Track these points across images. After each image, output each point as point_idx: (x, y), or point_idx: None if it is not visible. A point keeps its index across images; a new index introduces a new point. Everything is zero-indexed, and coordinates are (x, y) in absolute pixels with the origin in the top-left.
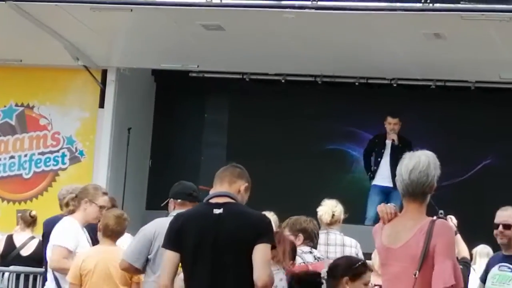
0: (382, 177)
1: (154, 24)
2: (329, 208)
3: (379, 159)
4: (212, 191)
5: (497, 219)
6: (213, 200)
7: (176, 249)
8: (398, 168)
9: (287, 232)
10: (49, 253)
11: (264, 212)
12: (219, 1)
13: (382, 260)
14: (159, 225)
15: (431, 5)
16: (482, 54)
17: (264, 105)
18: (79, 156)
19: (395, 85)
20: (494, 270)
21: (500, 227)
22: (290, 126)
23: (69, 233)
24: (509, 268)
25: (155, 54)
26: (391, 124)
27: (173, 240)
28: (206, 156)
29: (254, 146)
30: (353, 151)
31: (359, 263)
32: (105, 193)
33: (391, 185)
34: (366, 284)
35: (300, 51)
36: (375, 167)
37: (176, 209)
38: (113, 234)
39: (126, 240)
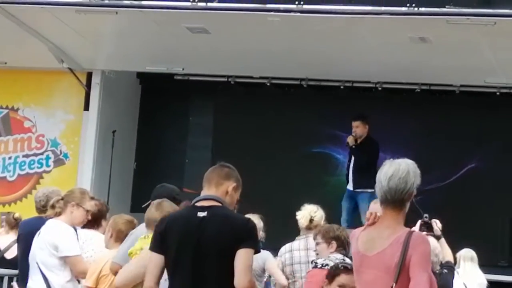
0: (350, 181)
1: (139, 27)
2: (307, 212)
3: (348, 163)
4: (202, 193)
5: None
6: (199, 204)
7: (161, 251)
8: (377, 174)
9: (319, 240)
10: (67, 265)
11: (249, 215)
12: (204, 4)
13: (356, 266)
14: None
15: (416, 9)
16: (468, 59)
17: (249, 108)
18: (63, 158)
19: (380, 88)
20: None
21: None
22: (275, 129)
23: (74, 239)
24: None
25: (140, 57)
26: (353, 127)
27: (157, 242)
28: (191, 158)
29: (239, 149)
30: (337, 155)
31: (333, 265)
32: (92, 198)
33: (352, 189)
34: (340, 286)
35: (285, 54)
36: (347, 172)
37: None
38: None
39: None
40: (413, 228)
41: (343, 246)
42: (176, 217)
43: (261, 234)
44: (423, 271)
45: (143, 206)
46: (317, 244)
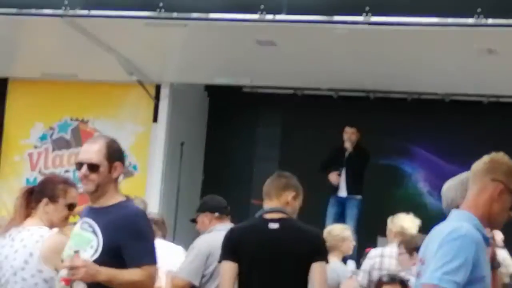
0: (340, 188)
1: (208, 39)
2: (401, 221)
3: (340, 169)
4: (265, 204)
5: None
6: (266, 216)
7: (234, 260)
8: None
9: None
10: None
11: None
12: (272, 17)
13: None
14: (212, 241)
15: (484, 20)
16: None
17: (316, 120)
18: (132, 170)
19: (447, 100)
20: None
21: None
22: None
23: None
24: None
25: (209, 69)
26: (348, 134)
27: (230, 251)
28: (258, 170)
29: (306, 160)
30: (405, 166)
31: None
32: None
33: (345, 195)
34: None
35: (352, 66)
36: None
37: (213, 223)
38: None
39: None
40: None
41: None
42: (247, 227)
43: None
44: None
45: (191, 219)
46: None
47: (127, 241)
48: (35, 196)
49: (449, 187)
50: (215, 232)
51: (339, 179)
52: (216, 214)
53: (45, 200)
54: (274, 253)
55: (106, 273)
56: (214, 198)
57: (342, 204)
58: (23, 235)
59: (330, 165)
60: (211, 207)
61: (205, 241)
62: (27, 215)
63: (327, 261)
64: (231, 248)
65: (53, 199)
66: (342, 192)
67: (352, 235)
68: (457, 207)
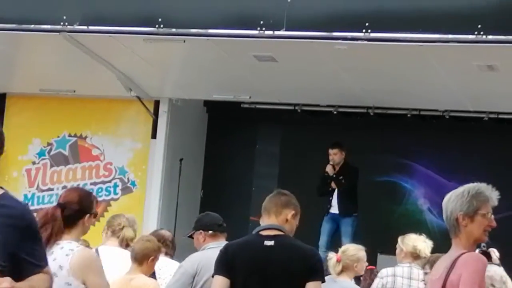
0: (333, 205)
1: (207, 55)
2: (414, 241)
3: (330, 189)
4: (262, 221)
5: None
6: (263, 232)
7: (228, 275)
8: None
9: (428, 270)
10: None
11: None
12: (271, 33)
13: None
14: (199, 260)
15: (484, 36)
16: None
17: (316, 136)
18: (131, 186)
19: (447, 117)
20: None
21: None
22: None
23: None
24: None
25: (208, 85)
26: (331, 155)
27: (224, 267)
28: (257, 187)
29: (306, 177)
30: (405, 183)
31: None
32: None
33: (337, 212)
34: None
35: (352, 82)
36: (330, 197)
37: (207, 241)
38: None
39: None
40: None
41: None
42: (242, 244)
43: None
44: (468, 286)
45: (185, 235)
46: (425, 274)
47: (26, 242)
48: (75, 214)
49: (450, 198)
50: (207, 250)
51: (333, 169)
52: (210, 232)
53: (87, 217)
54: (269, 270)
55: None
56: (208, 215)
57: (336, 221)
58: (53, 249)
59: (323, 190)
60: (204, 224)
61: (193, 260)
62: (62, 231)
63: (323, 280)
64: (226, 264)
65: (92, 214)
66: (335, 209)
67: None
68: (456, 219)
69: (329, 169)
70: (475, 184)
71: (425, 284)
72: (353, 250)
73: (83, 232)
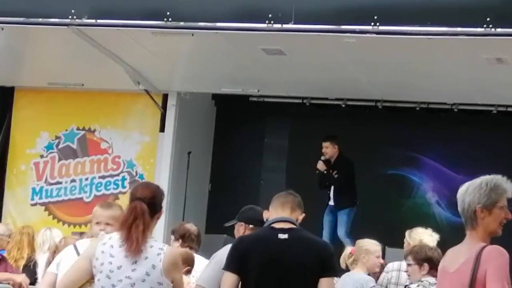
0: (330, 198)
1: (215, 49)
2: (420, 235)
3: (326, 182)
4: (273, 215)
5: None
6: (276, 225)
7: (238, 272)
8: None
9: (411, 261)
10: None
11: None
12: (280, 26)
13: (439, 282)
14: None
15: (493, 29)
16: None
17: (324, 129)
18: (139, 180)
19: (456, 110)
20: None
21: None
22: (351, 150)
23: None
24: None
25: (216, 78)
26: (323, 148)
27: (236, 262)
28: (265, 180)
29: (314, 170)
30: (413, 176)
31: None
32: None
33: (333, 203)
34: None
35: (360, 75)
36: (328, 191)
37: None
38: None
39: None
40: None
41: (435, 268)
42: (256, 237)
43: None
44: (498, 283)
45: (226, 224)
46: (408, 265)
47: None
48: (152, 208)
49: (467, 191)
50: None
51: (324, 165)
52: (251, 226)
53: (160, 212)
54: (282, 263)
55: None
56: (253, 209)
57: (333, 213)
58: (143, 246)
59: (322, 185)
60: (247, 218)
61: (224, 251)
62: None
63: (335, 275)
64: (237, 259)
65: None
66: (331, 201)
67: (380, 249)
68: (474, 211)
69: (320, 166)
70: (492, 176)
71: (408, 276)
72: (364, 242)
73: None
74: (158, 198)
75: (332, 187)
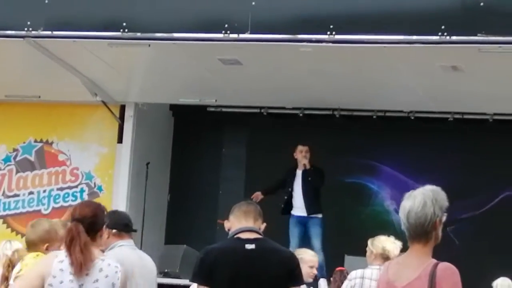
0: (297, 207)
1: (172, 59)
2: (383, 243)
3: (290, 189)
4: (236, 225)
5: None
6: (242, 235)
7: (206, 283)
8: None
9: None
10: None
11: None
12: (236, 36)
13: None
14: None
15: (448, 37)
16: (501, 87)
17: (282, 139)
18: (97, 191)
19: (412, 118)
20: None
21: None
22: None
23: None
24: None
25: (173, 89)
26: (302, 152)
27: (204, 274)
28: (224, 190)
29: (273, 180)
30: (372, 185)
31: None
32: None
33: (305, 214)
34: None
35: (317, 84)
36: (289, 197)
37: (110, 239)
38: None
39: None
40: None
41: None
42: (223, 249)
43: None
44: None
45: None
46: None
47: None
48: (93, 227)
49: (424, 204)
50: (116, 249)
51: (259, 196)
52: (114, 230)
53: (102, 229)
54: (252, 274)
55: None
56: (115, 213)
57: (303, 223)
58: (100, 265)
59: (284, 185)
60: (111, 222)
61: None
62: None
63: (302, 284)
64: (206, 271)
65: (104, 226)
66: (301, 212)
67: (317, 260)
68: (434, 224)
69: (306, 162)
70: (435, 187)
71: None
72: (301, 251)
73: (100, 246)
74: (99, 217)
75: (300, 195)
